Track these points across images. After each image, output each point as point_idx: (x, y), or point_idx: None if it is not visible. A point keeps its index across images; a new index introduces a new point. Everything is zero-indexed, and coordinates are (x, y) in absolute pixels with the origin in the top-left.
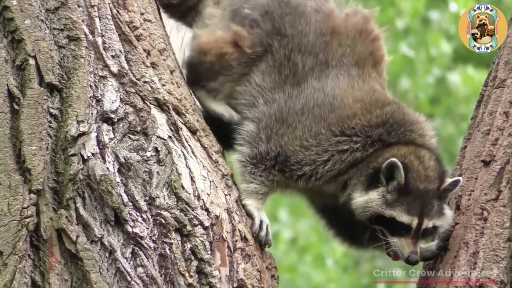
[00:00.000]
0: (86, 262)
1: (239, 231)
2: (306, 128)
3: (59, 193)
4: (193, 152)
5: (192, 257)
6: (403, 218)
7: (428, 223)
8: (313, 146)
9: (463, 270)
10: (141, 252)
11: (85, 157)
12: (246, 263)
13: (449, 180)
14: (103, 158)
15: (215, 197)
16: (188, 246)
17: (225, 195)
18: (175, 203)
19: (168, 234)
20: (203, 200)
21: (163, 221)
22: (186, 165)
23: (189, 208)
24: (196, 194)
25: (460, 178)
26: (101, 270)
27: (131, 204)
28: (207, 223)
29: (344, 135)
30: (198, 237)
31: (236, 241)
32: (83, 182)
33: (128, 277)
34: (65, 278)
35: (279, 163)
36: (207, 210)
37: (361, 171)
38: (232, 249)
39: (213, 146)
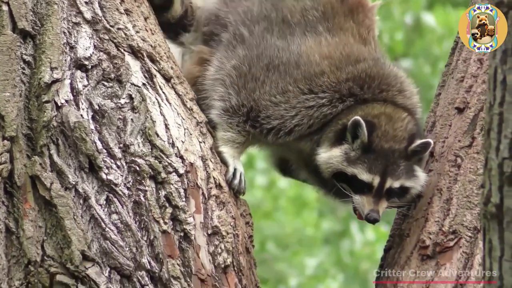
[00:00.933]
0: (60, 209)
1: (214, 178)
2: (273, 84)
3: (33, 140)
4: (167, 100)
5: (167, 204)
6: (364, 176)
7: (392, 183)
8: (282, 103)
9: (436, 217)
10: (115, 199)
11: (59, 104)
12: (221, 210)
13: (418, 142)
14: (77, 105)
15: (190, 145)
16: (162, 193)
17: (200, 142)
18: (150, 150)
19: (143, 181)
20: (177, 147)
21: (138, 168)
22: (161, 112)
23: (163, 155)
24: (171, 141)
25: (431, 140)
26: (75, 217)
27: (105, 151)
28: (181, 170)
29: (312, 92)
30: (172, 184)
31: (211, 188)
32: (57, 129)
33: (103, 224)
34: (39, 224)
35: (251, 118)
36: (181, 157)
37: (331, 128)
38: (206, 196)
39: (188, 94)
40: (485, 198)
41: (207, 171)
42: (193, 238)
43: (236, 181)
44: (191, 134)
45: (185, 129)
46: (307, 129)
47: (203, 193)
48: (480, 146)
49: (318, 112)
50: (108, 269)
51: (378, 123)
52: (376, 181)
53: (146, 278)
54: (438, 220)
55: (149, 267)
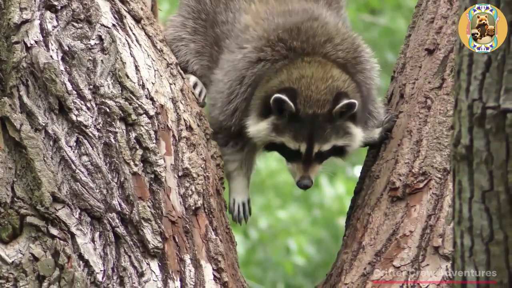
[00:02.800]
0: (30, 150)
1: (184, 120)
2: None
3: (2, 81)
4: (137, 41)
5: (137, 146)
6: (291, 144)
7: (321, 147)
8: (219, 78)
9: (406, 158)
10: (85, 141)
11: (29, 45)
12: (191, 152)
13: (341, 103)
14: (47, 46)
15: (160, 86)
16: (133, 135)
17: (170, 84)
18: (120, 92)
19: (113, 123)
20: (148, 89)
21: (108, 110)
22: (131, 53)
23: (133, 97)
24: (141, 83)
25: (354, 101)
26: (45, 159)
27: (75, 92)
28: (152, 112)
29: (240, 47)
30: (143, 126)
31: (181, 130)
32: (27, 70)
33: (73, 166)
34: (9, 166)
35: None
36: (152, 99)
37: (258, 91)
38: (177, 138)
39: (158, 35)
40: (455, 140)
41: (177, 113)
42: (163, 180)
43: (235, 213)
44: (161, 76)
45: (155, 70)
46: (237, 86)
47: (173, 135)
48: (450, 88)
49: (243, 62)
50: (79, 211)
51: (299, 88)
52: (303, 147)
53: (117, 220)
54: (408, 161)
55: (119, 209)
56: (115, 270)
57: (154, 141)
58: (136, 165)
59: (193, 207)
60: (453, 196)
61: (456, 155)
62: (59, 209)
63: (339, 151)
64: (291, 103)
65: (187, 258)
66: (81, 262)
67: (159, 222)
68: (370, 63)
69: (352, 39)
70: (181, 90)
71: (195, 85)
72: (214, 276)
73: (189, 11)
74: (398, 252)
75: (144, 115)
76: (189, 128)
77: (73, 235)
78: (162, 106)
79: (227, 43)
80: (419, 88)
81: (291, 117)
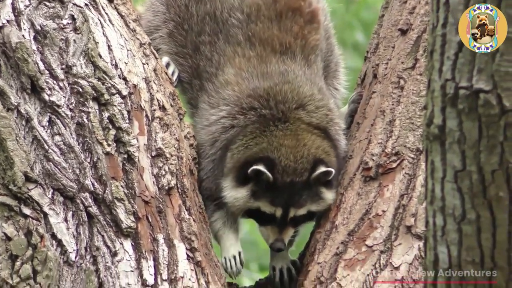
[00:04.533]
0: (2, 130)
1: (157, 100)
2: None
3: None
4: (110, 21)
5: (110, 126)
6: (267, 208)
7: (296, 212)
8: (199, 125)
9: (379, 138)
10: (58, 121)
11: (0, 24)
12: (165, 132)
13: (318, 171)
14: (19, 25)
15: (133, 66)
16: (106, 115)
17: (143, 64)
18: (93, 71)
19: (86, 102)
20: (120, 69)
21: (80, 90)
22: (103, 33)
23: (106, 77)
24: (114, 63)
25: (332, 169)
26: (17, 138)
27: (47, 72)
28: (124, 92)
29: (217, 106)
30: (116, 106)
31: (154, 110)
32: None
33: (45, 145)
34: None
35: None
36: (124, 79)
37: (233, 153)
38: (150, 118)
39: (131, 15)
40: (428, 120)
41: (150, 93)
42: (136, 160)
43: (229, 270)
44: (134, 56)
45: (128, 50)
46: (210, 146)
47: (146, 115)
48: (423, 68)
49: (217, 126)
50: (51, 190)
51: (278, 158)
52: (279, 212)
53: (90, 200)
54: (381, 141)
55: (92, 188)
56: (88, 249)
57: (127, 121)
58: (109, 145)
59: (167, 187)
60: (426, 176)
61: (429, 135)
62: (32, 189)
63: (308, 217)
64: (269, 174)
65: (160, 237)
66: (54, 241)
67: (132, 202)
68: (339, 125)
69: (314, 98)
70: (154, 70)
71: (167, 65)
72: (188, 255)
73: (169, 10)
74: (371, 232)
75: (117, 95)
76: (162, 108)
77: (46, 215)
78: (135, 86)
79: (209, 86)
80: (392, 68)
81: (268, 185)
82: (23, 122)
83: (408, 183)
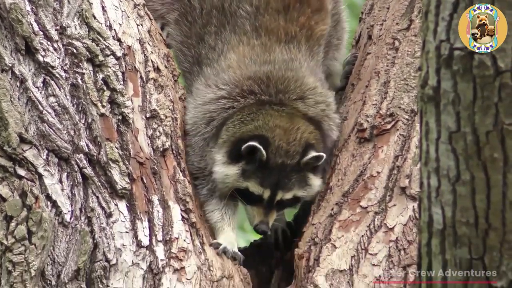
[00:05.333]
0: None
1: (152, 61)
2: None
3: None
4: None
5: (105, 87)
6: (255, 188)
7: (283, 195)
8: (191, 104)
9: (374, 100)
10: (52, 82)
11: None
12: (159, 93)
13: (309, 155)
14: None
15: (127, 27)
16: (100, 76)
17: (137, 25)
18: (87, 32)
19: (80, 64)
20: (115, 30)
21: (75, 51)
22: None
23: (100, 38)
24: (108, 24)
25: (323, 154)
26: (12, 99)
27: (41, 33)
28: (119, 53)
29: (216, 87)
30: (110, 67)
31: (149, 71)
32: None
33: (40, 106)
34: None
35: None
36: (119, 40)
37: (227, 128)
38: (144, 80)
39: None
40: (423, 81)
41: (145, 54)
42: (131, 121)
43: (227, 256)
44: (128, 17)
45: (122, 11)
46: (206, 125)
47: (141, 76)
48: (417, 29)
49: (215, 105)
50: (46, 151)
51: (272, 138)
52: (267, 194)
53: (84, 161)
54: (376, 103)
55: (87, 150)
56: (83, 210)
57: (122, 82)
58: (103, 106)
59: (161, 149)
60: (420, 137)
61: (423, 96)
62: (27, 150)
63: (293, 202)
64: (264, 152)
65: (155, 199)
66: (48, 202)
67: (127, 163)
68: (333, 120)
69: (316, 92)
70: (149, 32)
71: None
72: (182, 216)
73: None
74: (365, 193)
75: (111, 56)
76: (157, 70)
77: (40, 176)
78: (129, 47)
79: (207, 70)
80: (387, 29)
81: (260, 164)
82: (18, 83)
83: (403, 144)
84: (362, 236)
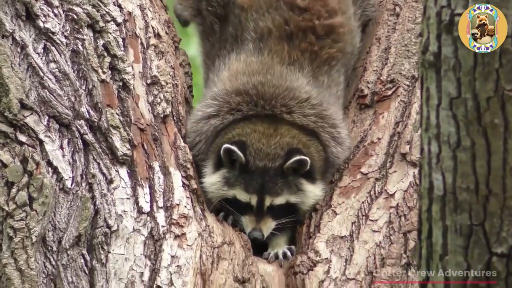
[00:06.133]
0: None
1: (152, 27)
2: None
3: None
4: None
5: (105, 53)
6: (242, 196)
7: (272, 200)
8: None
9: (374, 66)
10: (53, 48)
11: None
12: (160, 59)
13: (292, 159)
14: None
15: None
16: (100, 42)
17: None
18: None
19: (80, 30)
20: None
21: (75, 17)
22: None
23: (101, 4)
24: None
25: (306, 158)
26: (12, 65)
27: None
28: (119, 19)
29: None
30: (110, 33)
31: (149, 37)
32: None
33: (41, 73)
34: None
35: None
36: (119, 6)
37: (214, 146)
38: (145, 46)
39: None
40: (423, 47)
41: (145, 20)
42: (132, 87)
43: (228, 222)
44: None
45: None
46: (200, 145)
47: (141, 43)
48: None
49: (207, 125)
50: (47, 118)
51: (250, 141)
52: (254, 200)
53: (85, 127)
54: (377, 69)
55: (88, 116)
56: (84, 177)
57: (122, 48)
58: (104, 72)
59: (162, 115)
60: (421, 103)
61: (424, 62)
62: (27, 116)
63: (293, 209)
64: (240, 153)
65: (156, 165)
66: (49, 168)
67: (128, 129)
68: (332, 134)
69: (307, 105)
70: None
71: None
72: (183, 183)
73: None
74: (366, 159)
75: (112, 22)
76: (157, 36)
77: (41, 142)
78: (129, 13)
79: (205, 91)
80: None
81: (241, 169)
82: (18, 49)
83: (403, 110)
84: (363, 202)
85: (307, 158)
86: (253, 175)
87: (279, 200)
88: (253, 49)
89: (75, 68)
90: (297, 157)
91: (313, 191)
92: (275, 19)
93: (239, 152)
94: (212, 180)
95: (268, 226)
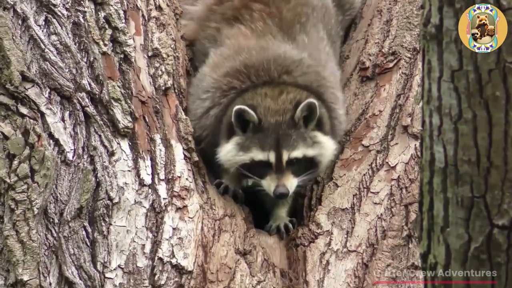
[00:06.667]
0: None
1: (154, 0)
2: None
3: None
4: None
5: (106, 26)
6: (259, 155)
7: (290, 153)
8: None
9: (376, 38)
10: (54, 20)
11: None
12: (161, 32)
13: (301, 106)
14: None
15: None
16: (102, 14)
17: None
18: None
19: (82, 2)
20: None
21: None
22: None
23: None
24: None
25: (312, 100)
26: (14, 37)
27: None
28: None
29: (198, 98)
30: (112, 5)
31: (151, 10)
32: None
33: (42, 45)
34: None
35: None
36: None
37: (221, 126)
38: (146, 18)
39: None
40: (425, 19)
41: None
42: (133, 60)
43: (229, 194)
44: None
45: None
46: (208, 138)
47: (143, 15)
48: None
49: (209, 118)
50: (48, 90)
51: (257, 102)
52: (272, 156)
53: (87, 100)
54: (378, 41)
55: (89, 88)
56: (86, 149)
57: (123, 21)
58: (105, 44)
59: (163, 87)
60: (422, 76)
61: (426, 35)
62: (29, 88)
63: (312, 163)
64: (252, 112)
65: (157, 137)
66: (51, 141)
67: (129, 102)
68: (336, 95)
69: (317, 69)
70: None
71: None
72: (185, 155)
73: None
74: (368, 132)
75: None
76: (159, 8)
77: (43, 114)
78: None
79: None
80: None
81: (254, 130)
82: (19, 22)
83: (405, 83)
84: (364, 174)
85: (315, 101)
86: (267, 133)
87: (296, 153)
88: (223, 40)
89: (76, 41)
90: (306, 102)
91: (328, 143)
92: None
93: (250, 111)
94: (227, 148)
95: (291, 181)
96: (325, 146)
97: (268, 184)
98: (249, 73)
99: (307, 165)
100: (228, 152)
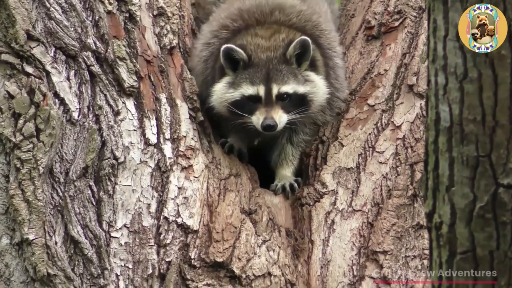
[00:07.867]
0: None
1: None
2: None
3: None
4: None
5: None
6: (249, 90)
7: (279, 88)
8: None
9: None
10: None
11: None
12: None
13: (292, 44)
14: None
15: None
16: None
17: None
18: None
19: None
20: None
21: None
22: None
23: None
24: None
25: (304, 37)
26: None
27: None
28: None
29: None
30: None
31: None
32: None
33: (47, 3)
34: None
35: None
36: None
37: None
38: None
39: None
40: None
41: None
42: (138, 19)
43: (234, 153)
44: None
45: None
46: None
47: None
48: None
49: (202, 63)
50: (53, 49)
51: (247, 41)
52: (262, 90)
53: (92, 59)
54: (384, 0)
55: (94, 47)
56: (91, 108)
57: None
58: (110, 3)
59: (169, 46)
60: (428, 35)
61: None
62: (34, 47)
63: (303, 102)
64: (240, 50)
65: (162, 97)
66: (56, 100)
67: (134, 61)
68: (331, 40)
69: (295, 8)
70: None
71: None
72: (190, 115)
73: None
74: (373, 91)
75: None
76: None
77: (48, 73)
78: None
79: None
80: None
81: (245, 67)
82: None
83: (410, 42)
84: (369, 134)
85: (308, 38)
86: (257, 68)
87: (286, 88)
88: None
89: None
90: (299, 38)
91: (321, 83)
92: None
93: (238, 49)
94: (217, 87)
95: (280, 115)
96: (318, 85)
97: (257, 118)
98: (241, 14)
99: (298, 102)
100: (219, 90)
